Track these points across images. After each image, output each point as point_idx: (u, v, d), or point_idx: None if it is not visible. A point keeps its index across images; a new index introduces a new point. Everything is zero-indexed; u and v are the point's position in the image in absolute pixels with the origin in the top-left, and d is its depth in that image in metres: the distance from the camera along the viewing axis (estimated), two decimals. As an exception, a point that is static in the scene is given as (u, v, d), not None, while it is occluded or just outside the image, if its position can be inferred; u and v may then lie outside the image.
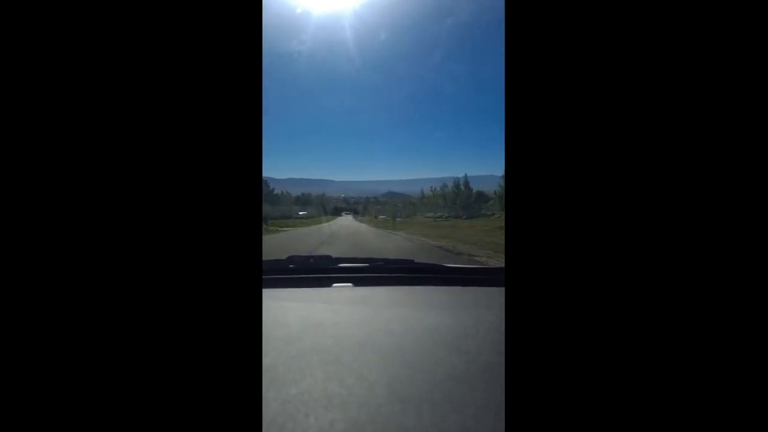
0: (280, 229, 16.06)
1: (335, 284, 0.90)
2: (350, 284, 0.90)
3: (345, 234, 12.02)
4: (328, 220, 34.96)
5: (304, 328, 0.56)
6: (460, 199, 36.98)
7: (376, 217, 47.85)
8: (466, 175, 38.57)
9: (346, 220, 37.70)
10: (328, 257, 1.08)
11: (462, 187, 38.36)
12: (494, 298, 0.77)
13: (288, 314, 0.63)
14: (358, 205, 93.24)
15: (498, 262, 4.40)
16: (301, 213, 48.80)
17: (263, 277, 0.85)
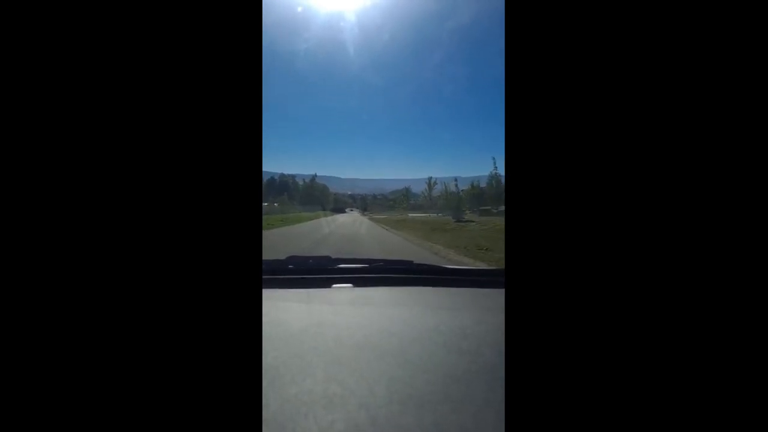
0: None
1: (335, 285, 0.89)
2: (350, 285, 0.89)
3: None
4: (325, 215, 24.54)
5: (304, 328, 0.56)
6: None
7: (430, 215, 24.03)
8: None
9: (345, 220, 20.98)
10: (328, 258, 1.07)
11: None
12: (493, 299, 0.77)
13: (288, 314, 0.64)
14: (365, 202, 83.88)
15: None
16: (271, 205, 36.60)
17: (262, 277, 0.84)
